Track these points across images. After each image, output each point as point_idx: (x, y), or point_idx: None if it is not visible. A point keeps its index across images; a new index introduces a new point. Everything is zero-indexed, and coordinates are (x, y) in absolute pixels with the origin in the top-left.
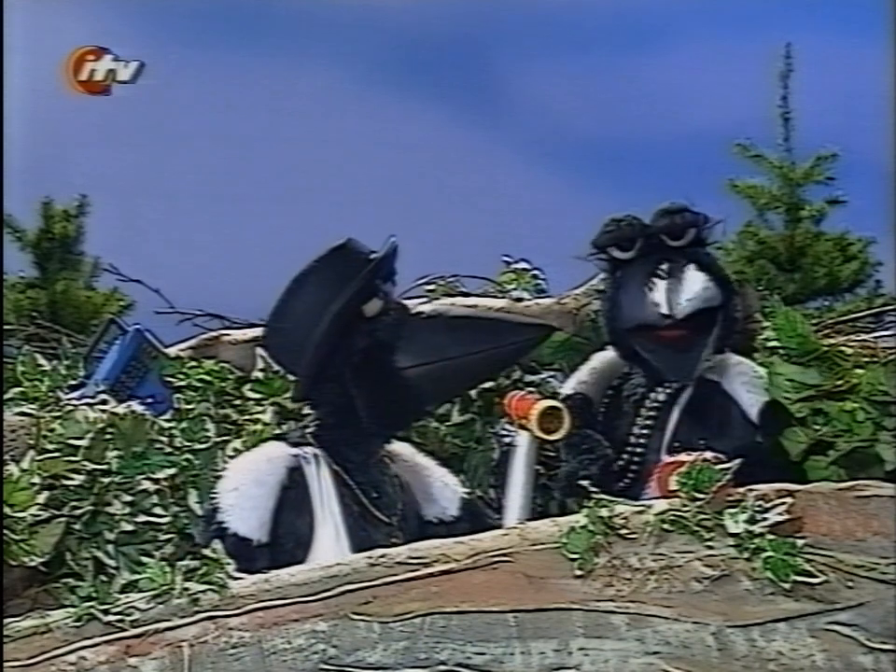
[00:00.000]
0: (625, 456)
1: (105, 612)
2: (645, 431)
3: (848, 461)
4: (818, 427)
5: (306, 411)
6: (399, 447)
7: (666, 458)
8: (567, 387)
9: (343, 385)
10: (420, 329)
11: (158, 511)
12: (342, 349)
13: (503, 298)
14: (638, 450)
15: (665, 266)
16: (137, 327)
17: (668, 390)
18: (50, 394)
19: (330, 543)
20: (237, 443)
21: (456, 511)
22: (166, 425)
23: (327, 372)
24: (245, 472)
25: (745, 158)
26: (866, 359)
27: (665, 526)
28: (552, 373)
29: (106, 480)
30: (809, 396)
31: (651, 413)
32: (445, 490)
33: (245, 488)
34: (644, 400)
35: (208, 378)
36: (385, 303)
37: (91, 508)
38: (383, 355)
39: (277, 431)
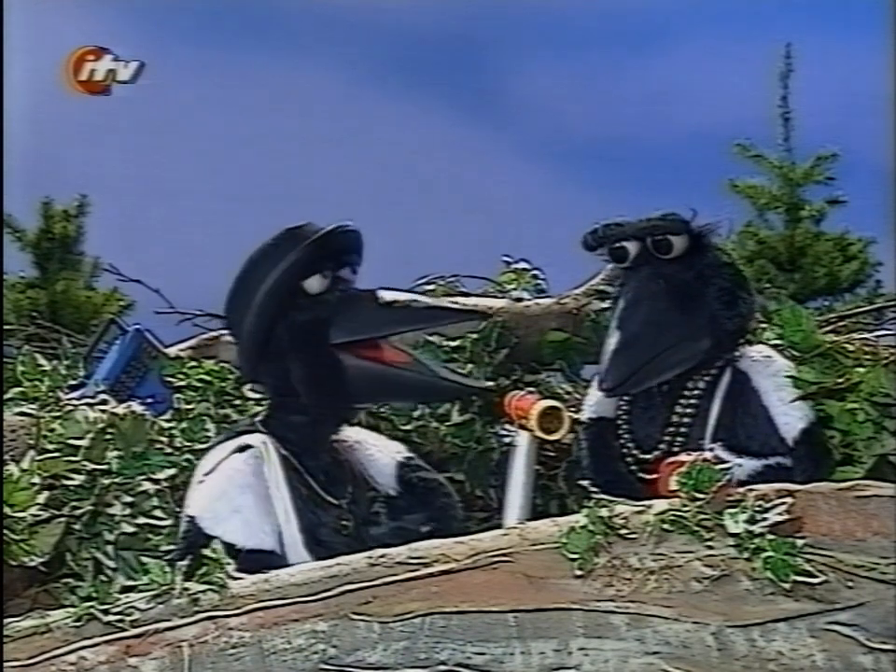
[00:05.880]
0: (663, 446)
1: (105, 612)
2: (686, 420)
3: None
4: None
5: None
6: (351, 432)
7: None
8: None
9: (286, 365)
10: (363, 310)
11: (157, 513)
12: (281, 326)
13: (503, 298)
14: (679, 439)
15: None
16: (137, 327)
17: (707, 378)
18: (50, 394)
19: (282, 526)
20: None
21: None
22: (166, 425)
23: (269, 350)
24: (240, 491)
25: (745, 158)
26: (867, 358)
27: (665, 526)
28: (551, 373)
29: (107, 480)
30: (811, 393)
31: (693, 402)
32: (387, 467)
33: (247, 507)
34: (682, 389)
35: (208, 378)
36: (333, 284)
37: (91, 508)
38: (322, 333)
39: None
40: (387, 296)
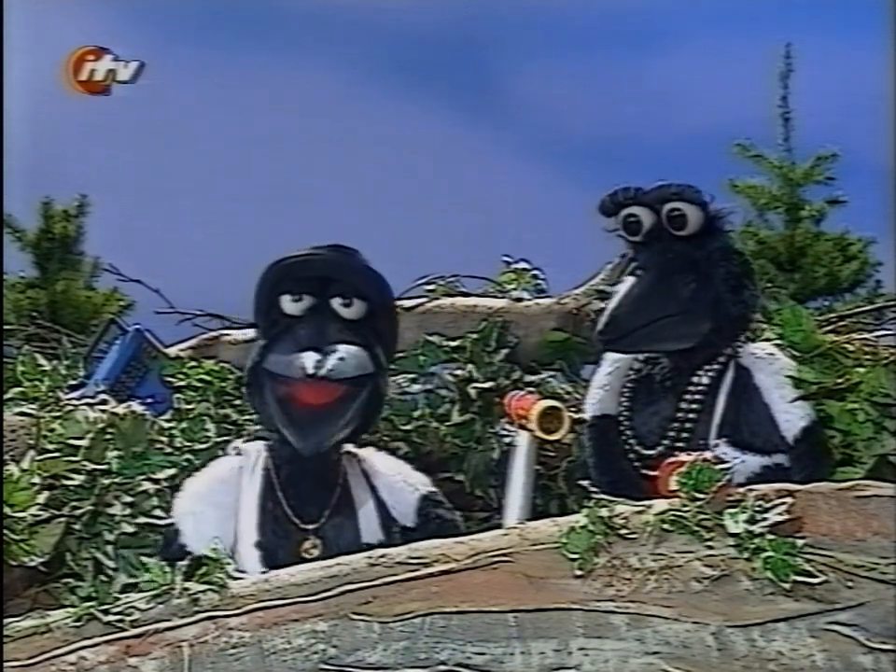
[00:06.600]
0: (666, 442)
1: (105, 612)
2: (691, 416)
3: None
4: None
5: None
6: (366, 454)
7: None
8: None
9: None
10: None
11: (157, 512)
12: (263, 340)
13: (503, 298)
14: (684, 435)
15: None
16: (137, 327)
17: (711, 373)
18: (50, 394)
19: (243, 542)
20: (237, 443)
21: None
22: (166, 425)
23: (259, 364)
24: (201, 496)
25: (745, 158)
26: (868, 358)
27: (665, 526)
28: (552, 373)
29: (107, 480)
30: (811, 393)
31: (697, 398)
32: (409, 497)
33: (201, 513)
34: (687, 385)
35: (208, 378)
36: (318, 309)
37: (91, 508)
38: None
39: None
40: (306, 361)
